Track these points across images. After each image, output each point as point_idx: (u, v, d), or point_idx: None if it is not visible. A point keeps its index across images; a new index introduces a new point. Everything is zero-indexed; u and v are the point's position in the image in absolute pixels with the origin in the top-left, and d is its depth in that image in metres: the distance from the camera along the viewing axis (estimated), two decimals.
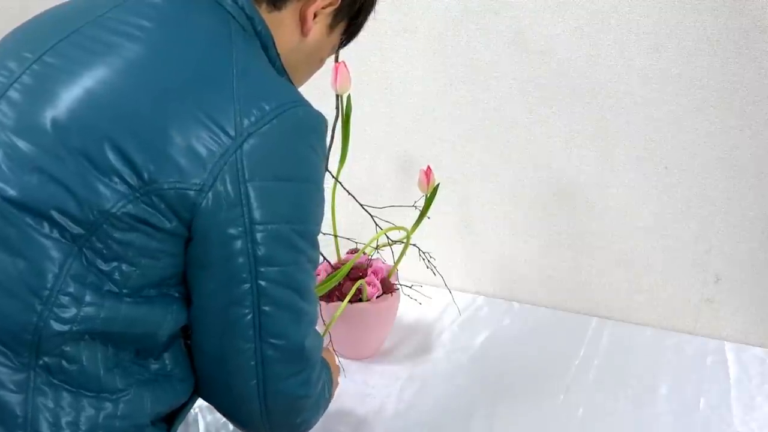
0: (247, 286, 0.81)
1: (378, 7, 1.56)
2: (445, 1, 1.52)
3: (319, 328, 1.36)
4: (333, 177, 1.36)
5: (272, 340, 0.84)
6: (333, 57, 1.31)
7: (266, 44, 0.89)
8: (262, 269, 0.81)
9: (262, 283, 0.81)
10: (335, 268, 1.42)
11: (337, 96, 1.34)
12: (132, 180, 0.76)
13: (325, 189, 1.34)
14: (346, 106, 1.35)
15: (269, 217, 0.80)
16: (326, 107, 1.36)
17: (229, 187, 0.78)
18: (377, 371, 1.39)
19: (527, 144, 1.55)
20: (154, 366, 0.85)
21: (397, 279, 1.44)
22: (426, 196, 1.38)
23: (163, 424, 0.88)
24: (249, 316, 0.82)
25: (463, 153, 1.61)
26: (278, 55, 0.91)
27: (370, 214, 1.40)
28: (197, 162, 0.77)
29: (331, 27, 0.97)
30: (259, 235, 0.80)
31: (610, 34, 1.43)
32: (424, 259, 1.42)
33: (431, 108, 1.60)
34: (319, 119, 0.86)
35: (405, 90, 1.61)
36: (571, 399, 1.31)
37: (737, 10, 1.34)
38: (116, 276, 0.79)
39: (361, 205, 1.40)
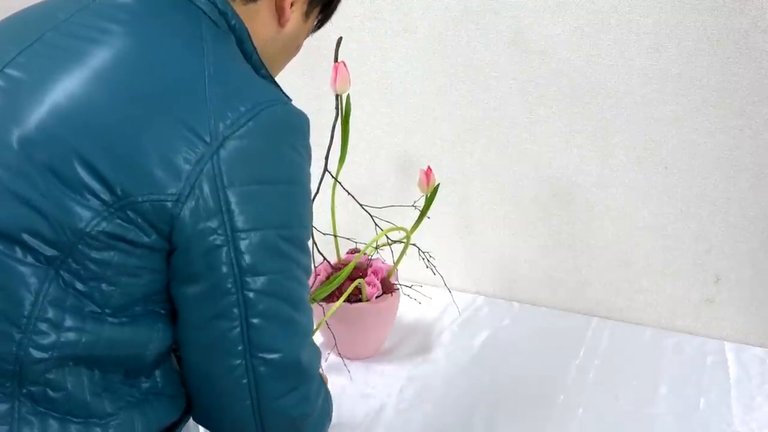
0: (233, 297, 0.77)
1: (378, 6, 1.57)
2: (445, 1, 1.52)
3: (321, 329, 1.37)
4: (333, 177, 1.36)
5: (263, 355, 0.79)
6: (333, 57, 1.32)
7: (241, 38, 0.86)
8: (248, 279, 0.77)
9: (249, 294, 0.77)
10: (335, 268, 1.42)
11: (337, 96, 1.34)
12: (105, 195, 0.73)
13: (325, 189, 1.35)
14: (346, 106, 1.35)
15: (252, 224, 0.76)
16: (326, 107, 1.37)
17: (208, 195, 0.74)
18: (377, 371, 1.39)
19: (527, 144, 1.55)
20: (145, 385, 0.82)
21: (397, 279, 1.44)
22: (426, 196, 1.38)
23: None
24: (237, 330, 0.78)
25: (463, 153, 1.61)
26: (254, 48, 0.88)
27: (369, 214, 1.40)
28: (172, 171, 0.73)
29: (307, 14, 0.95)
30: (242, 244, 0.76)
31: (610, 34, 1.43)
32: (423, 259, 1.41)
33: (431, 108, 1.60)
34: (299, 117, 0.82)
35: (405, 90, 1.61)
36: (571, 399, 1.31)
37: (737, 10, 1.34)
38: (96, 296, 0.75)
39: (361, 205, 1.40)
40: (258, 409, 0.80)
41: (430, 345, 1.48)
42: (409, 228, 1.39)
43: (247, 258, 0.76)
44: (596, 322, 1.56)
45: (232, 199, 0.75)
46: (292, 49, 0.98)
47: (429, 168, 1.37)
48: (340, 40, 1.32)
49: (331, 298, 1.35)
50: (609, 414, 1.28)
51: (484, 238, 1.65)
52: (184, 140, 0.74)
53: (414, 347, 1.47)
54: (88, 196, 0.73)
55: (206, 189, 0.74)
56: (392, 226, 1.39)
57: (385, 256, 1.46)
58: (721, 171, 1.43)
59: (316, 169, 1.34)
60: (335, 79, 1.31)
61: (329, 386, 1.06)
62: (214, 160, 0.74)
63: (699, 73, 1.39)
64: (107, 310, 0.76)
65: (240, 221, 0.76)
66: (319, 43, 1.60)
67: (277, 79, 0.94)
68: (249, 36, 0.87)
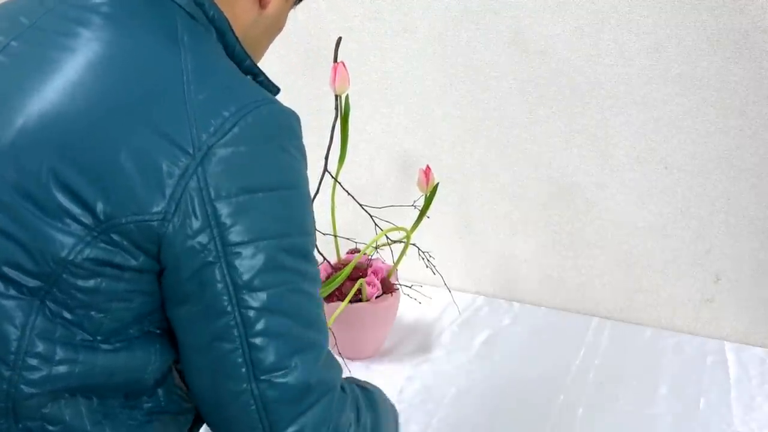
0: (230, 317, 0.71)
1: (378, 6, 1.57)
2: (445, 1, 1.52)
3: None
4: (332, 177, 1.36)
5: (270, 378, 0.72)
6: (333, 57, 1.32)
7: (222, 30, 0.80)
8: (245, 297, 0.71)
9: (248, 312, 0.71)
10: (335, 268, 1.42)
11: (336, 96, 1.34)
12: (86, 219, 0.68)
13: (325, 189, 1.35)
14: (345, 106, 1.35)
15: (246, 236, 0.71)
16: (325, 107, 1.37)
17: (195, 210, 0.69)
18: (377, 371, 1.39)
19: (527, 144, 1.55)
20: (148, 405, 0.78)
21: (397, 279, 1.44)
22: (425, 195, 1.38)
23: None
24: (238, 352, 0.72)
25: (462, 153, 1.61)
26: (237, 39, 0.82)
27: (369, 214, 1.40)
28: (155, 188, 0.68)
29: None
30: (236, 259, 0.71)
31: (610, 34, 1.43)
32: (423, 259, 1.41)
33: (431, 108, 1.60)
34: (287, 116, 0.76)
35: (405, 90, 1.61)
36: (571, 399, 1.31)
37: (737, 10, 1.34)
38: (86, 324, 0.71)
39: (361, 206, 1.40)
40: None
41: (430, 345, 1.48)
42: (409, 228, 1.39)
43: (242, 274, 0.71)
44: (596, 322, 1.56)
45: (222, 212, 0.70)
46: (274, 30, 0.91)
47: (428, 167, 1.37)
48: (339, 40, 1.32)
49: (331, 298, 1.36)
50: (609, 414, 1.28)
51: (484, 238, 1.65)
52: (165, 154, 0.69)
53: (414, 347, 1.47)
54: (68, 221, 0.68)
55: (193, 204, 0.69)
56: (392, 226, 1.39)
57: (385, 256, 1.46)
58: (721, 171, 1.43)
59: (316, 169, 1.35)
60: (334, 80, 1.31)
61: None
62: (199, 173, 0.69)
63: (699, 73, 1.39)
64: (99, 337, 0.73)
65: (232, 235, 0.71)
66: (319, 43, 1.61)
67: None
68: (230, 26, 0.81)
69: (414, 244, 1.41)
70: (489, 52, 1.52)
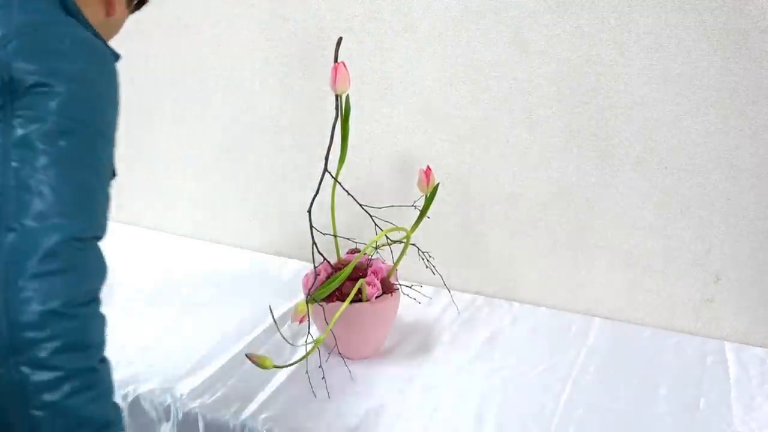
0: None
1: (378, 6, 1.57)
2: (445, 1, 1.53)
3: (321, 329, 1.37)
4: (333, 177, 1.36)
5: (17, 223, 0.78)
6: (333, 57, 1.32)
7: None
8: (18, 153, 0.79)
9: (18, 168, 0.79)
10: (335, 268, 1.42)
11: (337, 96, 1.34)
12: None
13: (325, 189, 1.35)
14: (345, 106, 1.35)
15: (32, 109, 0.81)
16: (326, 107, 1.37)
17: None
18: (377, 371, 1.39)
19: (527, 144, 1.55)
20: None
21: (397, 279, 1.44)
22: (426, 196, 1.38)
23: None
24: None
25: (463, 153, 1.61)
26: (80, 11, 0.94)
27: (369, 215, 1.40)
28: None
29: (129, 2, 1.06)
30: (18, 121, 0.80)
31: (610, 34, 1.43)
32: (423, 259, 1.42)
33: (431, 108, 1.60)
34: (96, 43, 0.90)
35: (405, 90, 1.61)
36: (572, 399, 1.31)
37: (737, 10, 1.34)
38: None
39: (361, 206, 1.40)
40: (4, 291, 0.74)
41: (430, 345, 1.48)
42: (409, 228, 1.39)
43: (23, 135, 0.79)
44: (596, 322, 1.56)
45: (19, 84, 0.80)
46: (114, 32, 1.06)
47: (428, 167, 1.37)
48: (340, 40, 1.32)
49: (331, 298, 1.36)
50: (609, 414, 1.28)
51: (484, 238, 1.65)
52: None
53: (414, 347, 1.47)
54: None
55: None
56: (392, 226, 1.39)
57: (385, 256, 1.46)
58: (721, 171, 1.43)
59: (316, 169, 1.35)
60: (335, 80, 1.31)
61: None
62: (7, 48, 0.81)
63: (699, 73, 1.40)
64: None
65: (19, 105, 0.80)
66: (319, 43, 1.61)
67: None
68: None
69: (414, 244, 1.41)
70: (489, 52, 1.52)
